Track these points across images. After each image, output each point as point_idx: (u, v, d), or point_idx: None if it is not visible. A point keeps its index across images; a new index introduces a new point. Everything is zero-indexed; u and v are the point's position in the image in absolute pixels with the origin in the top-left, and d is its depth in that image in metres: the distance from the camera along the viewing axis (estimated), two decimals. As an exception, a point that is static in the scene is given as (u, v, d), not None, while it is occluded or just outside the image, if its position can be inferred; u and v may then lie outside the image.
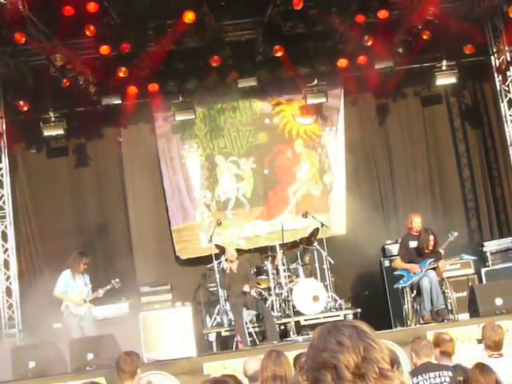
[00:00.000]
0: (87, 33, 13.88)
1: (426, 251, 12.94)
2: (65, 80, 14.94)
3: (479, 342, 7.90)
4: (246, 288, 13.81)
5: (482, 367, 6.31)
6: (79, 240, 15.94)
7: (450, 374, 7.17)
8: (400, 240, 13.95)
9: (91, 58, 15.17)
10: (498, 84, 16.30)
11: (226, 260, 14.44)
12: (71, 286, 13.08)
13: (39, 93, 15.75)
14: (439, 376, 7.13)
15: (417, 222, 13.33)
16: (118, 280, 13.47)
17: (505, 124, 16.23)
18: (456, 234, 13.21)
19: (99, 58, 15.02)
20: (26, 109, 15.56)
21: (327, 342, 2.34)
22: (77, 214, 16.84)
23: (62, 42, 14.22)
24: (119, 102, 16.08)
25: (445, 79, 16.60)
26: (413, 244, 13.24)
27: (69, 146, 16.95)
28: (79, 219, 16.77)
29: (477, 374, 5.98)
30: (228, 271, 14.04)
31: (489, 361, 7.16)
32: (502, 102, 16.21)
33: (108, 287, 13.25)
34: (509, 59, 15.81)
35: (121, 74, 15.31)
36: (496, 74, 16.29)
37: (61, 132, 16.11)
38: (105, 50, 14.73)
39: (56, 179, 16.89)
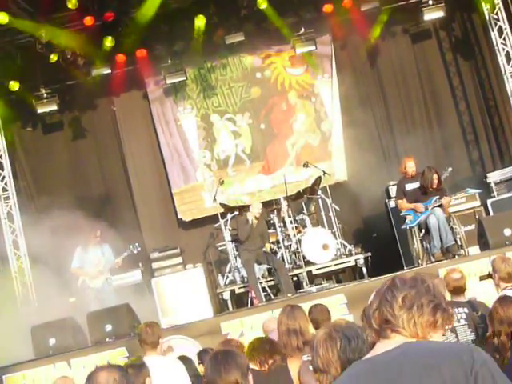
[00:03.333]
0: (69, 5, 13.81)
1: (431, 189, 12.93)
2: (52, 55, 14.91)
3: (489, 276, 7.90)
4: (267, 247, 13.78)
5: (501, 299, 6.33)
6: (84, 212, 15.95)
7: (466, 310, 7.22)
8: (397, 182, 13.99)
9: (76, 30, 15.09)
10: (486, 13, 16.15)
11: (234, 217, 14.45)
12: (85, 259, 13.18)
13: (28, 71, 15.67)
14: (455, 313, 7.17)
15: (410, 167, 13.34)
16: (136, 244, 13.56)
17: (497, 53, 16.12)
18: (450, 169, 13.23)
19: (84, 29, 14.97)
20: (17, 88, 15.52)
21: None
22: (79, 186, 16.88)
23: (45, 18, 14.15)
24: (109, 71, 16.03)
25: (432, 14, 16.40)
26: (409, 186, 13.25)
27: (64, 120, 16.94)
28: (82, 192, 16.79)
29: (497, 307, 6.01)
30: (252, 221, 13.86)
31: (504, 293, 7.19)
32: (493, 30, 16.08)
33: (125, 254, 13.35)
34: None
35: (108, 44, 15.25)
36: (483, 4, 16.14)
37: (54, 107, 16.05)
38: (89, 20, 14.68)
39: (55, 155, 16.90)
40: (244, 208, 15.16)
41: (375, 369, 2.52)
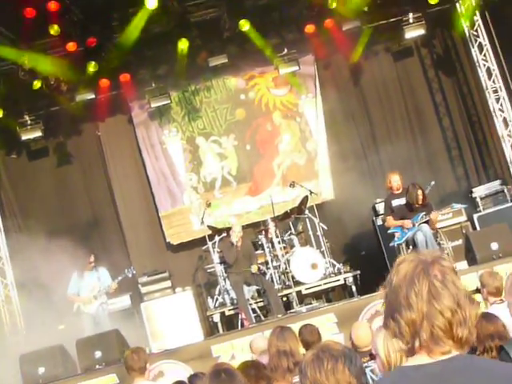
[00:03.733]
0: (51, 32, 13.85)
1: (416, 206, 12.98)
2: (35, 82, 14.91)
3: (477, 291, 7.92)
4: (255, 269, 13.75)
5: (486, 316, 6.34)
6: (72, 238, 15.91)
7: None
8: (384, 199, 14.02)
9: (59, 56, 15.08)
10: (466, 30, 16.30)
11: (222, 240, 14.44)
12: (81, 285, 13.15)
13: (12, 98, 15.65)
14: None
15: (395, 181, 13.41)
16: (132, 267, 13.54)
17: (478, 69, 16.28)
18: (433, 182, 13.39)
19: (67, 55, 14.96)
20: (0, 115, 15.48)
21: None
22: (66, 212, 16.81)
23: (27, 45, 14.15)
24: (93, 96, 16.01)
25: (413, 32, 16.51)
26: (396, 202, 13.31)
27: (49, 146, 16.90)
28: (69, 217, 16.73)
29: (483, 324, 6.01)
30: (236, 243, 13.84)
31: (493, 308, 7.21)
32: (473, 47, 16.26)
33: (120, 278, 13.32)
34: (474, 4, 15.80)
35: (91, 69, 15.26)
36: (463, 21, 16.28)
37: (39, 134, 16.03)
38: (71, 46, 14.69)
39: (40, 181, 16.83)
40: (232, 230, 15.17)
41: (433, 378, 2.34)
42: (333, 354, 3.37)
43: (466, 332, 2.33)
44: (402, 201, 13.22)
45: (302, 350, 6.73)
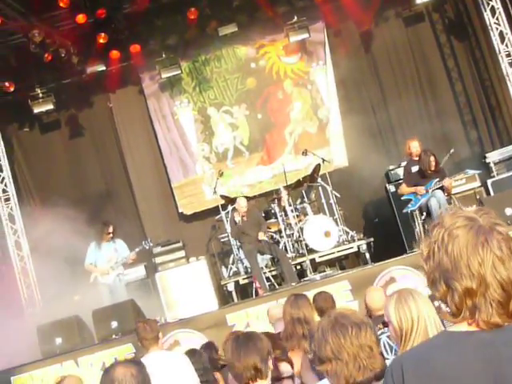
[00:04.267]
0: (61, 4, 13.81)
1: (429, 172, 12.94)
2: (46, 55, 14.92)
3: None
4: (262, 236, 13.73)
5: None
6: (85, 210, 15.98)
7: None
8: (403, 166, 13.96)
9: (69, 28, 15.10)
10: (479, -7, 16.17)
11: (233, 210, 14.45)
12: (98, 255, 13.23)
13: (23, 71, 15.68)
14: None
15: (415, 147, 13.32)
16: (149, 240, 13.61)
17: (490, 32, 16.09)
18: (452, 150, 13.27)
19: (77, 27, 14.97)
20: (12, 89, 15.55)
21: None
22: (79, 184, 16.90)
23: (37, 18, 14.15)
24: (104, 68, 16.05)
25: (425, -4, 16.41)
26: (416, 169, 13.25)
27: (60, 119, 16.95)
28: (82, 189, 16.83)
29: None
30: (239, 222, 13.96)
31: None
32: (485, 10, 16.06)
33: (137, 249, 13.38)
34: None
35: (101, 40, 15.27)
36: (475, -16, 16.15)
37: (50, 107, 16.09)
38: (81, 18, 14.67)
39: (53, 154, 16.92)
40: (236, 205, 15.25)
41: (486, 346, 2.30)
42: (353, 320, 3.39)
43: None
44: (418, 168, 13.19)
45: (316, 318, 6.75)
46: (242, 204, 13.97)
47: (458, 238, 2.33)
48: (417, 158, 13.20)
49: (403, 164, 14.09)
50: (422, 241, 2.43)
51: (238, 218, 13.89)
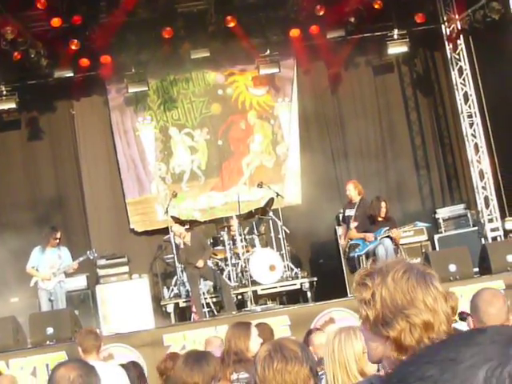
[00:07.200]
0: (38, 5, 13.78)
1: (379, 219, 13.10)
2: (16, 53, 14.81)
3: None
4: (200, 263, 13.72)
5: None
6: (34, 214, 15.88)
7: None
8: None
9: (43, 30, 15.04)
10: (448, 52, 16.51)
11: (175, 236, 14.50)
12: (41, 260, 13.09)
13: (-10, 67, 15.57)
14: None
15: (348, 189, 13.58)
16: (93, 250, 13.53)
17: (455, 92, 16.45)
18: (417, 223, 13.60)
19: (51, 30, 14.90)
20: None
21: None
22: (31, 187, 16.75)
23: (12, 15, 14.07)
24: (71, 74, 15.97)
25: (396, 48, 16.68)
26: (347, 212, 13.46)
27: (21, 119, 16.81)
28: (33, 193, 16.68)
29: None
30: (182, 246, 13.99)
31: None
32: (453, 70, 16.42)
33: (81, 258, 13.29)
34: (459, 27, 15.99)
35: (73, 47, 15.20)
36: (447, 43, 16.49)
37: (13, 106, 15.95)
38: (56, 22, 14.62)
39: (9, 153, 16.76)
40: (195, 223, 15.26)
41: None
42: (284, 354, 3.41)
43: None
44: (349, 212, 13.36)
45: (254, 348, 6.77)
46: (174, 230, 14.19)
47: (410, 278, 2.40)
48: (354, 202, 13.38)
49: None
50: (358, 286, 2.49)
51: (179, 240, 13.94)
